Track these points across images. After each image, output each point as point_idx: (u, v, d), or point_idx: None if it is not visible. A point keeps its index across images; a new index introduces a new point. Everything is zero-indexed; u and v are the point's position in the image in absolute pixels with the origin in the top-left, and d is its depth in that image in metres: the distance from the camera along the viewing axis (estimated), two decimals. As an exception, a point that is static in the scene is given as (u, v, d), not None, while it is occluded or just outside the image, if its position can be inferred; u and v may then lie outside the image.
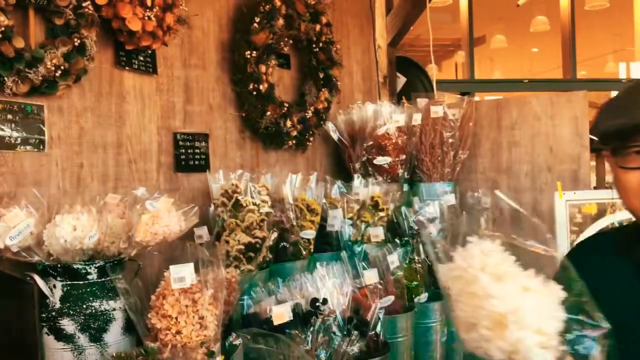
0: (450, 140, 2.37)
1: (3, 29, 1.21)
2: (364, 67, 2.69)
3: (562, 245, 2.05)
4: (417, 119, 2.33)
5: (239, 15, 1.89)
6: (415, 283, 1.97)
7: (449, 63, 11.46)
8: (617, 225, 1.19)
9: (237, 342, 1.40)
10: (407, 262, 2.00)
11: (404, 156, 2.34)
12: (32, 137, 1.33)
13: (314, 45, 2.15)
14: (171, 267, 1.15)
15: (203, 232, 1.70)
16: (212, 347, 1.18)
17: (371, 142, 2.30)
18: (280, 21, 1.94)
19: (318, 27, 2.13)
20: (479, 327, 0.86)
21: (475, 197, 2.40)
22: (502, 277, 0.86)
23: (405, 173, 2.39)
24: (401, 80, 2.92)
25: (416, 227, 2.18)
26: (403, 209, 2.17)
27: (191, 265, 1.16)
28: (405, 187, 2.40)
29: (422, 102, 2.41)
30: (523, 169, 2.51)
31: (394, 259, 1.90)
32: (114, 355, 1.09)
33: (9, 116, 1.28)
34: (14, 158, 1.30)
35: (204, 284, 1.22)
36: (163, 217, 1.23)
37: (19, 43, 1.26)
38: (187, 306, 1.20)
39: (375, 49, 2.77)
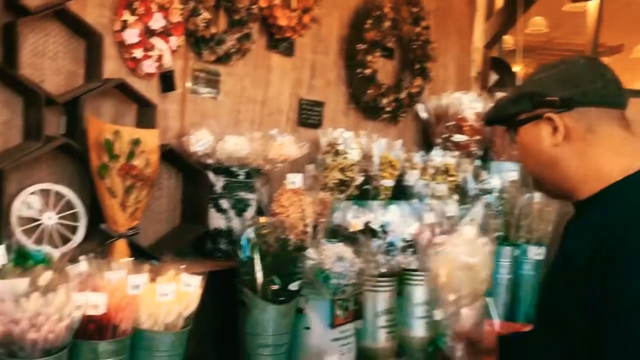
0: (520, 128, 2.89)
1: (206, 21, 2.00)
2: (459, 64, 3.25)
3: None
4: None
5: (355, 18, 2.57)
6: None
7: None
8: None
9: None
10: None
11: (478, 137, 2.89)
12: (213, 90, 2.11)
13: (413, 43, 2.77)
14: (288, 174, 1.88)
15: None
16: (308, 228, 1.89)
17: (452, 123, 2.88)
18: (387, 23, 2.59)
19: (418, 29, 2.75)
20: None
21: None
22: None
23: (479, 151, 2.94)
24: (493, 77, 3.44)
25: (478, 193, 2.75)
26: (469, 176, 2.75)
27: (301, 174, 1.88)
28: (478, 162, 2.95)
29: (499, 95, 2.94)
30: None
31: (450, 209, 2.50)
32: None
33: (202, 75, 2.07)
34: (202, 101, 2.09)
35: (307, 190, 1.94)
36: (286, 145, 1.96)
37: (213, 30, 2.04)
38: (295, 201, 1.92)
39: (472, 49, 3.32)
